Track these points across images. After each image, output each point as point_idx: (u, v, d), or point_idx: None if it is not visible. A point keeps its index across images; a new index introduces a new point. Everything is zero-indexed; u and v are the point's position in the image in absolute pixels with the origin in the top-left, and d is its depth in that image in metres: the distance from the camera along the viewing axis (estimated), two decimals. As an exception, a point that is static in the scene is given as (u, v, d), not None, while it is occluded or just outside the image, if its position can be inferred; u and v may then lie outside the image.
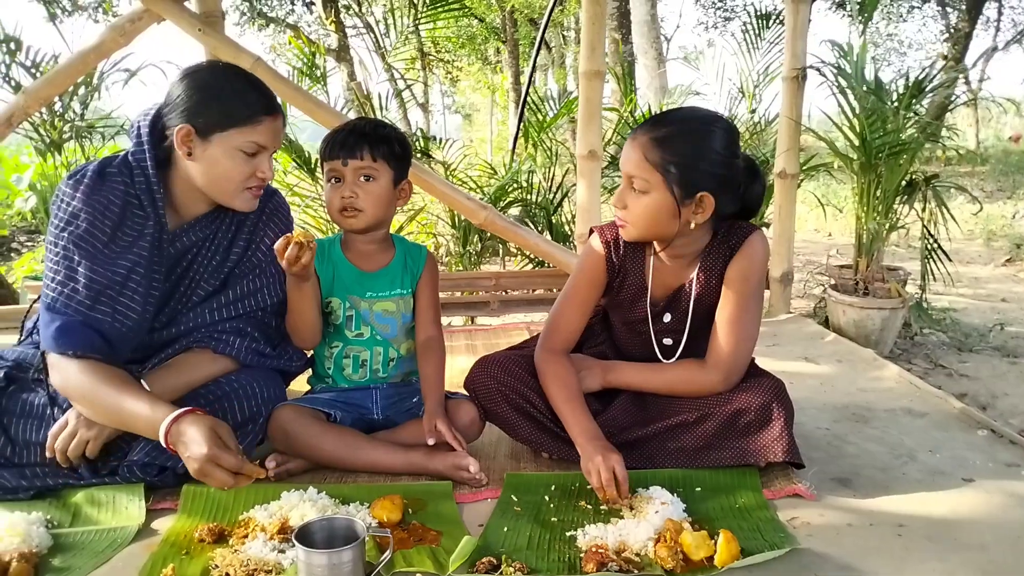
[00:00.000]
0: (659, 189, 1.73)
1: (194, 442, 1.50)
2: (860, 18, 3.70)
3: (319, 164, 2.00)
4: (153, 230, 1.81)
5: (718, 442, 1.85)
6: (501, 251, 4.55)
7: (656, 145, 1.72)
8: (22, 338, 2.09)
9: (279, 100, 1.86)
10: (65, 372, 1.69)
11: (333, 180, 1.93)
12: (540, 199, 4.32)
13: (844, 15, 13.87)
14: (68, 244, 1.74)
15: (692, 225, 1.77)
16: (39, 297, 2.10)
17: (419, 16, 4.65)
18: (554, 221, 4.31)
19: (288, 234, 1.77)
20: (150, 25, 3.03)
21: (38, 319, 2.06)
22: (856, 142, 3.43)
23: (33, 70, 3.91)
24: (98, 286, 1.74)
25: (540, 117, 4.63)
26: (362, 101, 4.77)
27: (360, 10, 15.63)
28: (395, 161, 1.95)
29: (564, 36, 20.70)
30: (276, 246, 1.74)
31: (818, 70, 3.37)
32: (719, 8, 22.37)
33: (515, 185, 4.37)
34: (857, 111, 3.36)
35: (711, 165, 1.73)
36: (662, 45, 12.53)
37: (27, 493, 1.77)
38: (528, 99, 4.50)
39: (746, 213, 1.89)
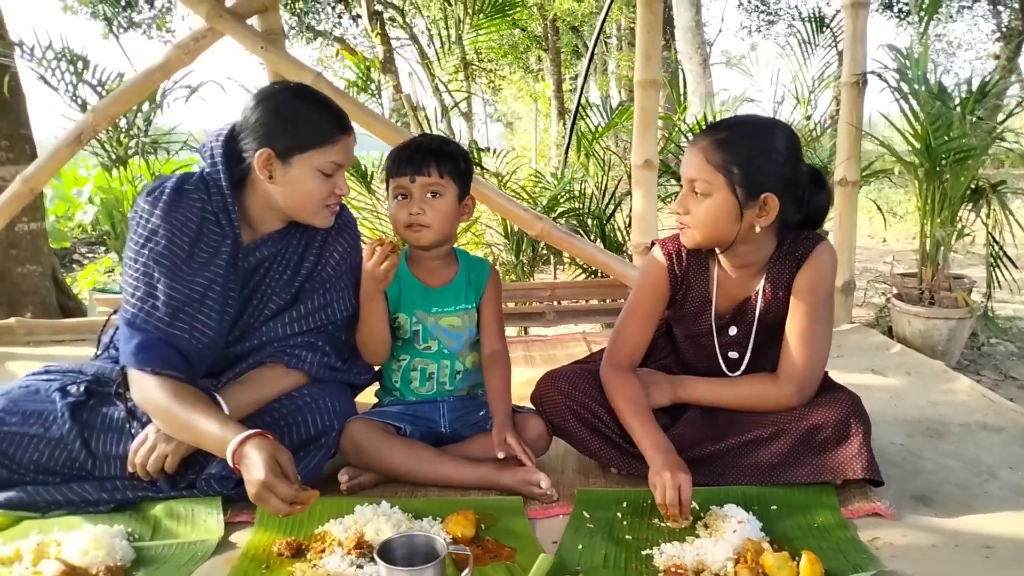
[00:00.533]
0: (722, 191, 1.72)
1: (253, 467, 1.52)
2: (919, 20, 3.62)
3: (385, 180, 2.01)
4: (230, 247, 1.85)
5: (794, 459, 1.82)
6: (552, 260, 4.54)
7: (718, 147, 1.72)
8: (99, 352, 2.14)
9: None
10: (144, 388, 1.74)
11: (399, 196, 1.95)
12: (593, 208, 4.31)
13: (891, 16, 13.59)
14: (148, 261, 1.78)
15: (756, 229, 1.75)
16: (115, 311, 2.16)
17: (467, 26, 4.66)
18: (606, 230, 4.29)
19: (381, 236, 1.81)
20: (213, 43, 3.10)
21: (114, 333, 2.13)
22: (919, 148, 3.35)
23: (99, 88, 4.02)
24: (176, 303, 1.78)
25: (591, 125, 4.61)
26: (413, 112, 4.82)
27: (404, 21, 15.81)
28: (460, 177, 1.97)
29: (606, 43, 20.65)
30: (368, 246, 1.79)
31: (879, 75, 3.31)
32: (762, 11, 22.13)
33: (567, 194, 4.36)
34: (920, 116, 3.29)
35: (774, 165, 1.71)
36: (706, 51, 12.44)
37: (108, 506, 1.81)
38: (579, 107, 4.49)
39: (810, 224, 1.85)
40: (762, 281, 1.85)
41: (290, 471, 1.54)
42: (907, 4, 18.77)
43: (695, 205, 1.76)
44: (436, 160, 1.91)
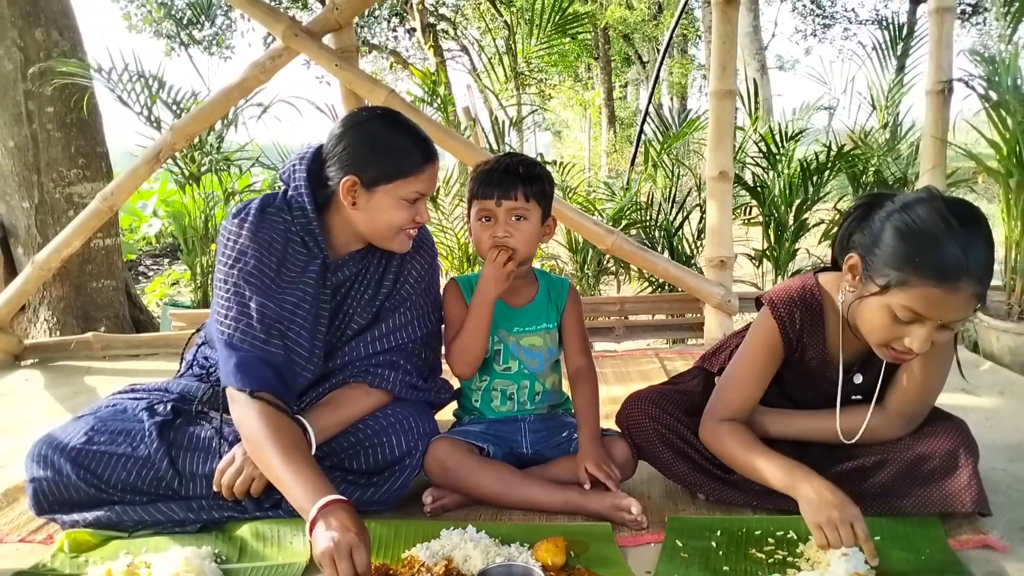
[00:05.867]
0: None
1: (343, 526, 1.46)
2: (1007, 23, 3.48)
3: (468, 200, 1.98)
4: (319, 266, 1.86)
5: (898, 489, 1.73)
6: (617, 273, 4.48)
7: (984, 287, 1.47)
8: (182, 370, 2.15)
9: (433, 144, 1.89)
10: (244, 411, 1.72)
11: (484, 219, 1.92)
12: (661, 220, 4.24)
13: (963, 21, 13.26)
14: (239, 280, 1.79)
15: None
16: (198, 329, 2.19)
17: (520, 38, 4.62)
18: (674, 243, 4.21)
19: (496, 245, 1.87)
20: (289, 62, 3.13)
21: (197, 351, 2.14)
22: (1006, 156, 3.21)
23: (174, 107, 4.10)
24: (269, 320, 1.78)
25: (657, 135, 4.54)
26: (472, 125, 4.81)
27: (456, 34, 15.94)
28: (544, 199, 1.95)
29: (657, 50, 20.53)
30: (490, 252, 1.88)
31: (966, 83, 3.18)
32: (818, 15, 21.77)
33: (633, 206, 4.29)
34: (1010, 124, 3.15)
35: None
36: (763, 56, 12.27)
37: (194, 526, 1.81)
38: (646, 116, 4.42)
39: None
40: None
41: (361, 562, 1.44)
42: (969, 5, 18.28)
43: (939, 335, 1.52)
44: (523, 184, 1.89)
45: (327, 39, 3.18)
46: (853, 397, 1.81)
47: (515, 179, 1.89)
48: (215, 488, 1.78)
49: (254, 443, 1.69)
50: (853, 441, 1.77)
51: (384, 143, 1.78)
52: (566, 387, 2.10)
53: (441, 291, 2.07)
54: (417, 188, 1.81)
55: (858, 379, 1.79)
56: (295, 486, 1.58)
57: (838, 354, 1.74)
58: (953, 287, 1.42)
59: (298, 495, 1.57)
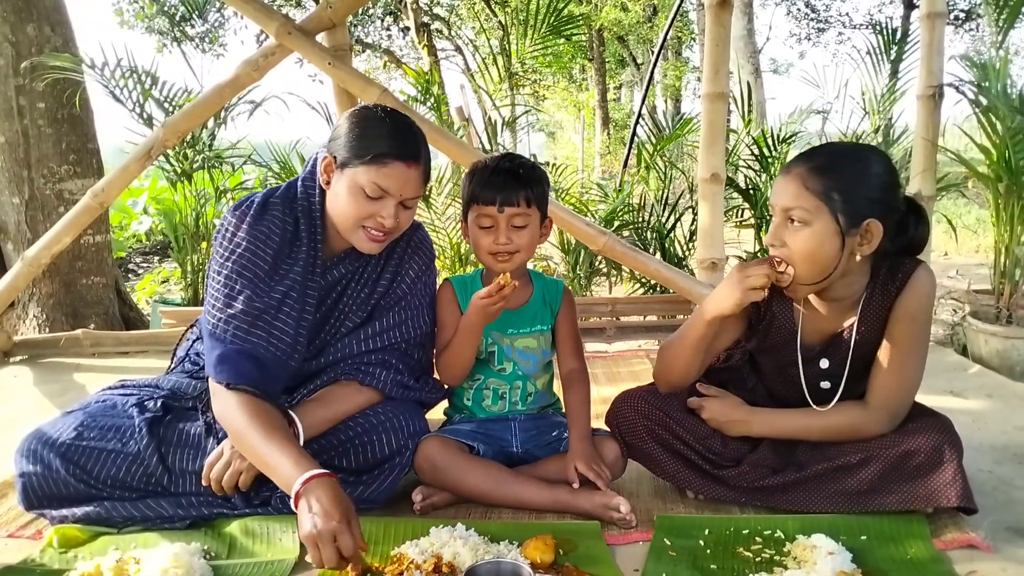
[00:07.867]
0: (822, 219, 1.63)
1: (323, 509, 1.46)
2: (996, 29, 3.50)
3: (465, 203, 1.96)
4: (306, 255, 1.85)
5: (884, 485, 1.74)
6: (609, 274, 4.49)
7: (815, 174, 1.64)
8: (173, 366, 2.15)
9: (423, 151, 1.81)
10: (225, 403, 1.72)
11: (484, 225, 1.90)
12: (653, 222, 4.25)
13: (956, 28, 13.34)
14: (231, 273, 1.79)
15: (858, 257, 1.67)
16: (191, 325, 2.19)
17: (514, 38, 4.63)
18: (665, 244, 4.23)
19: (504, 277, 1.79)
20: (282, 60, 3.13)
21: (190, 347, 2.14)
22: (996, 161, 3.24)
23: (166, 104, 4.09)
24: (255, 311, 1.77)
25: (650, 136, 4.55)
26: (465, 125, 4.81)
27: (450, 34, 15.93)
28: (543, 202, 1.94)
29: (653, 53, 20.56)
30: (494, 285, 1.78)
31: (956, 88, 3.21)
32: (812, 19, 21.84)
33: (625, 208, 4.31)
34: (999, 129, 3.17)
35: (874, 190, 1.64)
36: (757, 60, 12.31)
37: (183, 522, 1.80)
38: (639, 118, 4.44)
39: (909, 252, 1.77)
40: (856, 316, 1.76)
41: (355, 523, 1.48)
42: (963, 11, 18.40)
43: (792, 236, 1.67)
44: (524, 189, 1.87)
45: (320, 37, 3.18)
46: (822, 384, 1.83)
47: (517, 184, 1.87)
48: (204, 483, 1.78)
49: (236, 431, 1.69)
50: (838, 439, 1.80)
51: (365, 126, 1.77)
52: (557, 387, 2.11)
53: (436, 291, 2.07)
54: (376, 180, 1.73)
55: (824, 364, 1.82)
56: (277, 465, 1.58)
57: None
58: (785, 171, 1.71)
59: (282, 474, 1.57)
